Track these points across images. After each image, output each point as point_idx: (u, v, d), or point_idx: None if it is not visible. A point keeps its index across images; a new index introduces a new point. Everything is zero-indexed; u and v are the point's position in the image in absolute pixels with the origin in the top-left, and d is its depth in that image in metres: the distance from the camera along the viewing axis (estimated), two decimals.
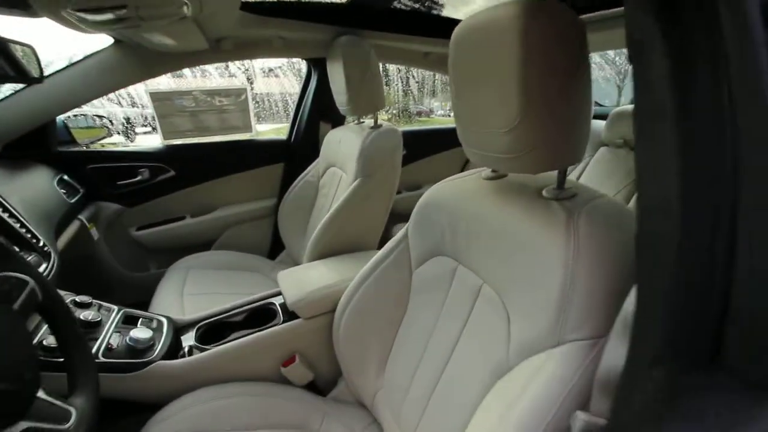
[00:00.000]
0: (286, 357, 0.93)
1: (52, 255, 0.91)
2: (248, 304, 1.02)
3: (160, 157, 1.50)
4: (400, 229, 0.85)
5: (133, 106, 1.70)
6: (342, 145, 1.34)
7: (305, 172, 1.54)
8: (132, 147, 1.54)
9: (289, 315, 0.96)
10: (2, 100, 1.13)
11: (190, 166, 1.56)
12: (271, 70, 2.33)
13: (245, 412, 0.81)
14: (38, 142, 1.28)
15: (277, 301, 1.01)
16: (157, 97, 1.46)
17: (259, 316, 1.00)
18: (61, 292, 0.91)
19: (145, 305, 1.20)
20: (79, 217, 1.26)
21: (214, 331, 0.97)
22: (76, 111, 1.50)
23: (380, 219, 1.26)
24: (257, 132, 1.71)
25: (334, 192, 1.37)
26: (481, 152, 0.62)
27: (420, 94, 3.03)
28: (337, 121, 1.68)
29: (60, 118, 1.38)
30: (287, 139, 1.74)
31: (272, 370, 0.91)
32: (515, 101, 0.51)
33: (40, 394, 0.51)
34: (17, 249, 0.85)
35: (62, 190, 1.24)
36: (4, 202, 0.89)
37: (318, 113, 1.68)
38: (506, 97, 0.52)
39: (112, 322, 0.88)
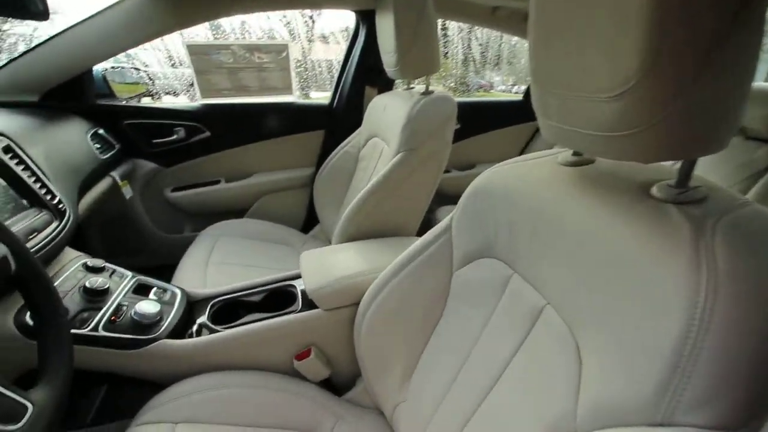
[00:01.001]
0: (300, 349, 0.83)
1: (68, 213, 0.85)
2: (267, 285, 0.93)
3: (196, 117, 1.43)
4: (447, 213, 0.70)
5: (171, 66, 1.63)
6: (387, 112, 1.18)
7: (345, 141, 1.40)
8: (169, 104, 1.48)
9: (309, 303, 0.85)
10: (36, 47, 1.09)
11: (226, 128, 1.47)
12: (333, 34, 2.15)
13: (249, 405, 0.72)
14: (76, 94, 1.24)
15: (299, 284, 0.91)
16: (194, 50, 1.37)
17: (278, 298, 0.90)
18: (74, 253, 0.86)
19: (175, 268, 1.16)
20: (112, 173, 1.22)
21: (229, 309, 0.88)
22: (113, 63, 1.45)
23: (423, 201, 1.10)
24: (301, 95, 1.58)
25: (374, 166, 1.22)
26: (568, 127, 0.44)
27: (482, 63, 2.65)
28: (385, 86, 1.50)
29: (99, 70, 1.33)
30: (329, 104, 1.60)
31: (284, 361, 0.82)
32: (633, 51, 0.32)
33: None
34: (28, 204, 0.80)
35: (96, 145, 1.20)
36: (20, 153, 0.84)
37: (364, 76, 1.51)
38: (619, 46, 0.33)
39: (121, 291, 0.82)
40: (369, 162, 1.27)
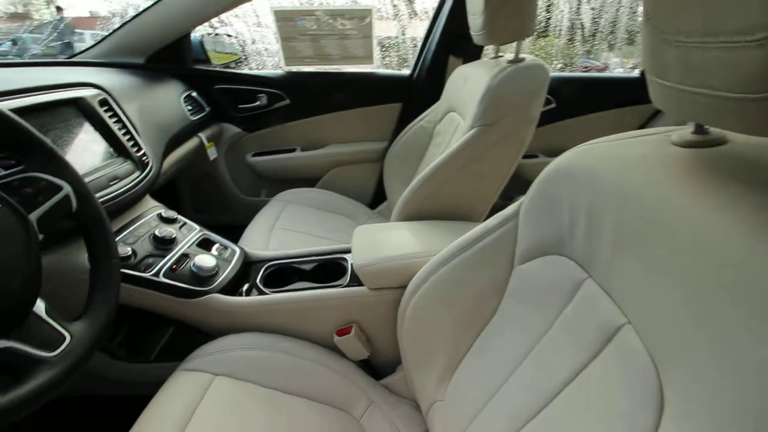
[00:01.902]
0: (342, 325, 0.79)
1: (150, 165, 0.92)
2: (320, 255, 0.91)
3: (277, 84, 1.46)
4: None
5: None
6: (467, 83, 1.06)
7: (422, 115, 1.31)
8: (254, 71, 1.53)
9: (355, 279, 0.81)
10: (143, 12, 1.18)
11: (305, 97, 1.48)
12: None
13: (284, 370, 0.72)
14: (175, 58, 1.34)
15: (350, 258, 0.87)
16: (281, 15, 1.38)
17: (329, 269, 0.88)
18: (153, 203, 0.93)
19: None
20: (199, 134, 1.31)
21: (281, 273, 0.89)
22: (209, 29, 1.54)
23: (495, 184, 0.98)
24: (380, 65, 1.53)
25: (448, 142, 1.12)
26: (690, 88, 0.31)
27: (592, 36, 2.18)
28: (471, 56, 1.37)
29: (197, 36, 1.42)
30: (409, 75, 1.51)
31: (325, 335, 0.80)
32: None
33: (38, 310, 0.45)
34: (115, 153, 0.87)
35: (188, 106, 1.28)
36: (115, 107, 0.92)
37: (449, 45, 1.39)
38: None
39: (186, 243, 0.86)
40: (443, 138, 1.18)
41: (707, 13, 0.28)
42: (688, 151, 0.39)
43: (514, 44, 0.95)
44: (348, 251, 0.90)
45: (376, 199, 1.61)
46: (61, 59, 1.20)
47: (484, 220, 0.94)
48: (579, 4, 1.94)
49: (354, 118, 1.53)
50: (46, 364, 0.43)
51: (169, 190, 1.53)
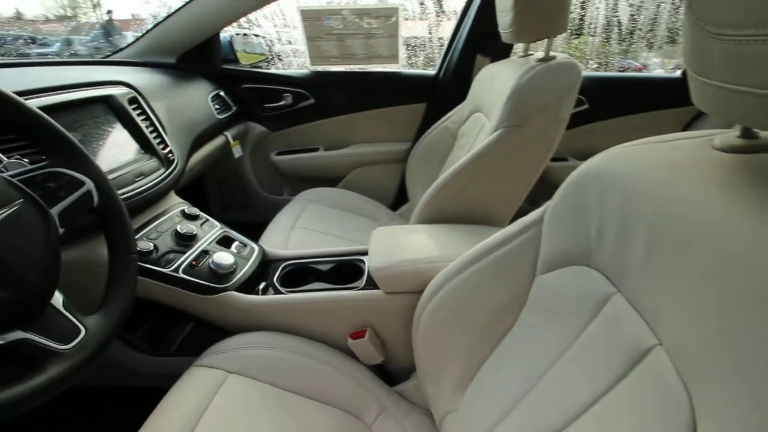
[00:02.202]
0: (356, 328, 0.78)
1: (176, 162, 0.94)
2: (337, 256, 0.90)
3: (302, 84, 1.47)
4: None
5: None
6: (494, 82, 1.02)
7: (446, 116, 1.28)
8: (281, 71, 1.55)
9: (371, 282, 0.79)
10: (174, 12, 1.22)
11: (329, 96, 1.48)
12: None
13: (296, 371, 0.71)
14: (205, 57, 1.37)
15: (367, 260, 0.86)
16: (307, 15, 1.39)
17: (346, 271, 0.87)
18: (177, 200, 0.94)
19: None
20: (225, 133, 1.33)
21: (298, 273, 0.89)
22: (237, 29, 1.57)
23: (520, 188, 0.94)
24: (405, 65, 1.51)
25: (472, 143, 1.09)
26: (736, 86, 0.28)
27: (630, 33, 2.04)
28: (499, 54, 1.32)
29: (226, 37, 1.45)
30: (435, 75, 1.48)
31: (339, 337, 0.78)
32: None
33: (55, 302, 0.46)
34: (142, 151, 0.89)
35: (215, 105, 1.31)
36: (144, 105, 0.94)
37: (476, 42, 1.35)
38: None
39: (207, 240, 0.87)
40: (468, 139, 1.14)
41: (763, 1, 0.24)
42: (733, 157, 0.35)
43: (545, 42, 0.91)
44: (365, 253, 0.89)
45: (398, 200, 1.59)
46: (97, 59, 1.25)
47: (508, 225, 0.90)
48: (616, 1, 1.82)
49: (378, 118, 1.52)
50: (61, 356, 0.44)
51: (197, 187, 1.57)
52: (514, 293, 0.57)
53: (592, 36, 1.99)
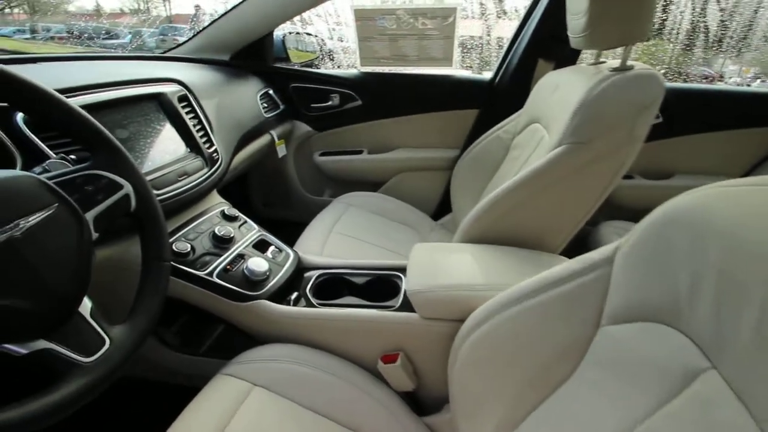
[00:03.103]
0: (388, 351, 0.73)
1: (220, 161, 0.93)
2: (374, 269, 0.85)
3: (350, 85, 1.43)
4: (614, 232, 0.49)
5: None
6: (558, 92, 0.93)
7: (500, 124, 1.19)
8: (330, 71, 1.52)
9: (407, 303, 0.74)
10: (230, 10, 1.22)
11: (377, 99, 1.44)
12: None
13: (322, 391, 0.67)
14: (258, 55, 1.37)
15: (405, 279, 0.80)
16: (361, 14, 1.35)
17: (382, 286, 0.82)
18: (219, 199, 0.94)
19: None
20: (271, 131, 1.33)
21: (332, 283, 0.85)
22: (290, 28, 1.56)
23: (581, 212, 0.84)
24: (459, 67, 1.43)
25: (527, 157, 1.00)
26: None
27: (717, 41, 1.80)
28: (565, 60, 1.21)
29: (279, 35, 1.45)
30: (491, 80, 1.39)
31: (370, 359, 0.74)
32: None
33: (83, 310, 0.45)
34: (188, 150, 0.89)
35: (263, 104, 1.31)
36: (194, 102, 0.94)
37: (540, 46, 1.25)
38: None
39: (243, 243, 0.86)
40: (522, 152, 1.05)
41: None
42: None
43: (618, 49, 0.81)
44: (403, 269, 0.83)
45: (441, 210, 1.52)
46: (155, 54, 1.29)
47: (565, 251, 0.81)
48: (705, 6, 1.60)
49: (426, 123, 1.45)
50: (82, 369, 0.42)
51: (240, 183, 1.59)
52: (574, 340, 0.49)
53: (667, 40, 1.79)
